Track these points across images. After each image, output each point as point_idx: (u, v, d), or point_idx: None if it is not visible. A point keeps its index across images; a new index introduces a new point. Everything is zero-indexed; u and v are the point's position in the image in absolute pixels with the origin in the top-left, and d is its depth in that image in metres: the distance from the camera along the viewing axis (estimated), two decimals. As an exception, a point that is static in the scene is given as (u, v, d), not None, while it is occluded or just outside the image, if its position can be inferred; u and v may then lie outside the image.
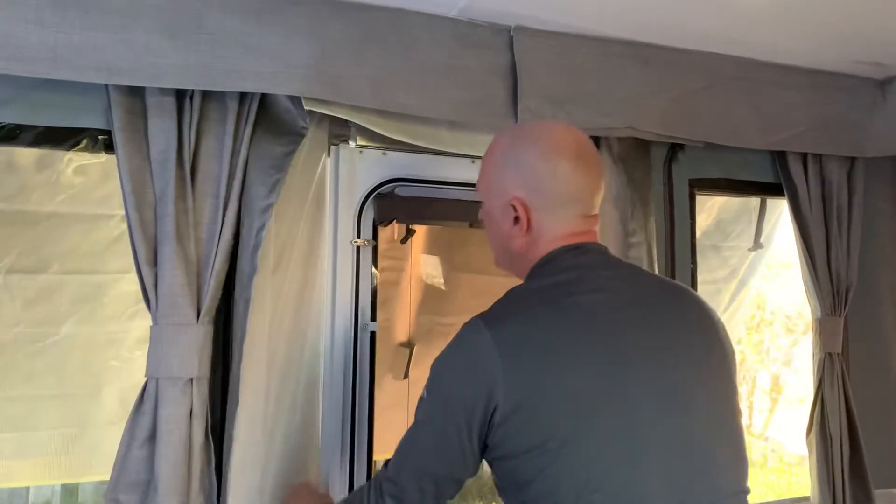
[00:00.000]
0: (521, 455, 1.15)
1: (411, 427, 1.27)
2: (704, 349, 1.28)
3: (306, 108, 1.66)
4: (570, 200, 1.31)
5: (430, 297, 3.02)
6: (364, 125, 1.79)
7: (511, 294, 1.28)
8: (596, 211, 1.35)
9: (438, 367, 1.24)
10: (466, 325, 1.22)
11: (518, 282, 1.36)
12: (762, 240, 2.66)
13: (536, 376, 1.14)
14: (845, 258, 2.34)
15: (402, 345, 3.01)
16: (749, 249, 2.71)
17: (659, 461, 1.15)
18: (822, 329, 2.31)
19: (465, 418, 1.17)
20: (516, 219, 1.31)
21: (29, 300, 1.96)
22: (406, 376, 2.97)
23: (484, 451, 1.21)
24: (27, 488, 2.46)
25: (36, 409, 1.99)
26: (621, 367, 1.17)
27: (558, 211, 1.31)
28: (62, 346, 1.99)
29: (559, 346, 1.16)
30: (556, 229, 1.31)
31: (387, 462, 1.31)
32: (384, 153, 1.90)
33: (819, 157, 2.35)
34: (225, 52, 1.59)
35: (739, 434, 1.26)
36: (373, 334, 1.87)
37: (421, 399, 1.25)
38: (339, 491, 1.79)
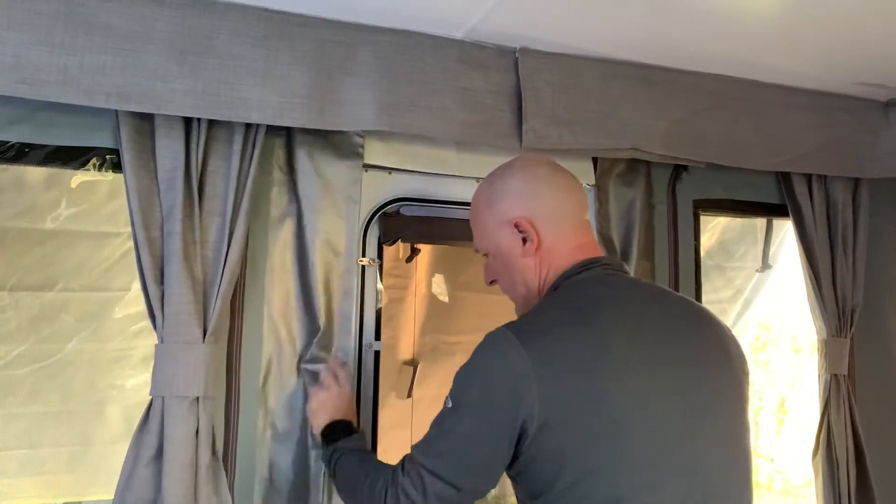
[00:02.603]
0: (550, 470, 1.14)
1: (432, 435, 1.24)
2: (722, 368, 1.29)
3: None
4: (566, 207, 1.36)
5: (435, 316, 3.02)
6: (370, 161, 1.84)
7: (538, 308, 1.28)
8: (587, 215, 1.41)
9: (466, 377, 1.22)
10: (495, 336, 1.20)
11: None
12: (769, 260, 2.66)
13: (570, 392, 1.14)
14: (851, 279, 2.34)
15: (406, 363, 3.00)
16: (757, 270, 2.70)
17: (683, 481, 1.16)
18: (828, 350, 2.30)
19: (495, 430, 1.15)
20: (524, 240, 1.33)
21: (35, 317, 1.97)
22: (410, 395, 2.96)
23: (511, 464, 1.19)
24: (30, 506, 2.45)
25: (40, 427, 1.99)
26: (650, 385, 1.18)
27: (560, 220, 1.35)
28: (67, 363, 1.99)
29: (591, 364, 1.16)
30: (564, 241, 1.34)
31: (403, 465, 1.27)
32: (389, 173, 1.91)
33: (824, 178, 2.35)
34: (233, 79, 1.61)
35: (749, 456, 1.28)
36: (377, 353, 1.87)
37: (445, 409, 1.22)
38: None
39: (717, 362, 1.29)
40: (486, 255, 1.44)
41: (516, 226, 1.33)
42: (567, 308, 1.25)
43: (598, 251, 1.38)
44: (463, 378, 1.22)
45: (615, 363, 1.17)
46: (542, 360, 1.14)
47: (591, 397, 1.14)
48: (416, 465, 1.23)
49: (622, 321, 1.23)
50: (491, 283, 1.45)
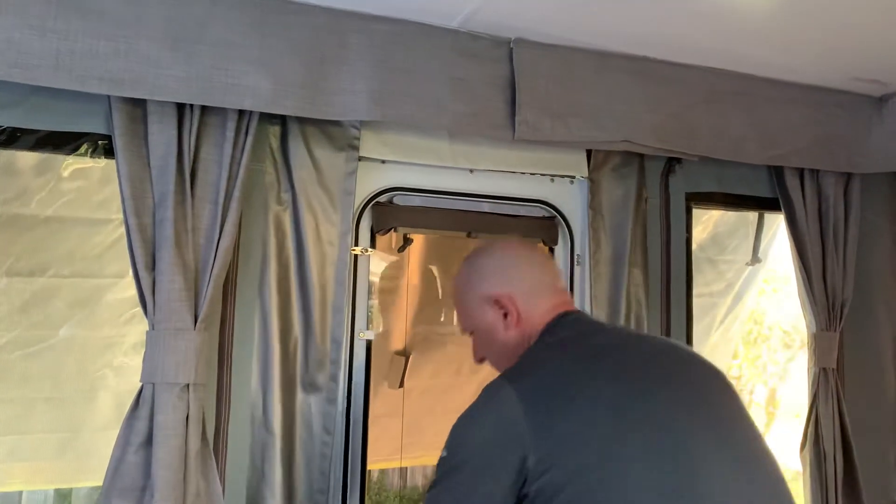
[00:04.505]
0: (555, 501, 1.14)
1: (436, 492, 1.23)
2: (705, 380, 1.31)
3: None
4: (541, 279, 1.43)
5: (427, 306, 3.02)
6: (363, 154, 1.85)
7: (526, 356, 1.34)
8: (562, 284, 1.48)
9: (463, 427, 1.24)
10: (489, 385, 1.24)
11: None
12: (759, 254, 2.67)
13: (561, 422, 1.16)
14: (841, 273, 2.35)
15: (399, 353, 3.01)
16: (747, 264, 2.71)
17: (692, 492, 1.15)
18: (818, 344, 2.32)
19: (497, 475, 1.16)
20: (505, 314, 1.39)
21: (26, 303, 1.96)
22: (401, 385, 2.96)
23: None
24: (20, 492, 2.44)
25: (30, 413, 1.98)
26: (640, 402, 1.19)
27: (536, 290, 1.41)
28: (58, 349, 1.99)
29: (577, 390, 1.19)
30: (541, 305, 1.39)
31: None
32: (382, 162, 1.91)
33: (816, 173, 2.36)
34: (226, 65, 1.61)
35: (777, 468, 1.25)
36: (369, 343, 1.87)
37: (442, 460, 1.23)
38: (334, 500, 1.79)
39: (699, 375, 1.31)
40: (471, 333, 1.48)
41: (496, 302, 1.40)
42: (548, 350, 1.32)
43: (572, 306, 1.44)
44: (459, 429, 1.24)
45: (600, 385, 1.20)
46: (532, 398, 1.18)
47: (583, 423, 1.16)
48: None
49: (601, 347, 1.29)
50: (480, 360, 1.49)
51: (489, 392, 1.23)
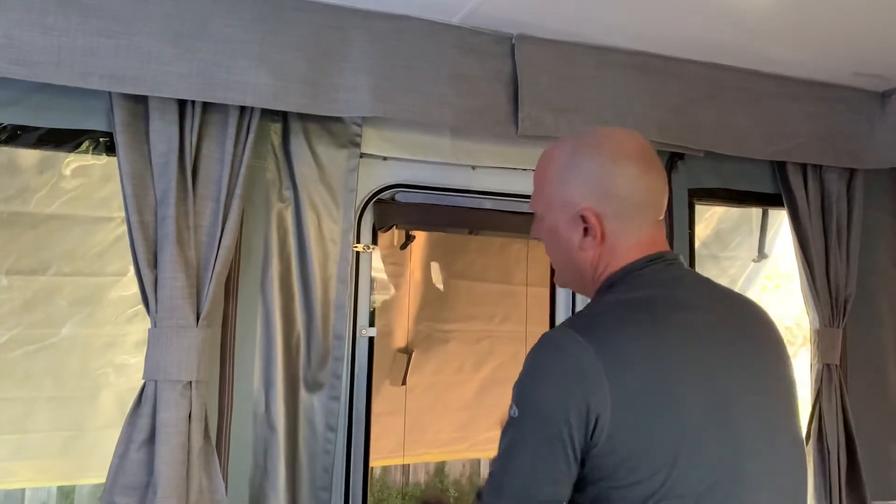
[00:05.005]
0: (621, 478, 1.09)
1: (505, 451, 1.15)
2: (778, 368, 1.26)
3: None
4: (641, 205, 1.24)
5: (429, 304, 3.02)
6: (365, 151, 1.83)
7: (600, 305, 1.21)
8: (663, 216, 1.29)
9: (531, 379, 1.14)
10: (556, 334, 1.15)
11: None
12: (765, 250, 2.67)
13: (643, 394, 1.09)
14: (844, 269, 2.34)
15: (401, 351, 3.01)
16: (754, 260, 2.71)
17: (759, 489, 1.13)
18: (821, 340, 2.31)
19: (568, 433, 1.08)
20: (586, 230, 1.23)
21: (28, 301, 1.97)
22: (404, 383, 2.96)
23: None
24: (23, 490, 2.45)
25: (33, 411, 1.99)
26: (723, 390, 1.14)
27: (631, 217, 1.23)
28: (60, 347, 1.99)
29: (664, 366, 1.11)
30: (630, 237, 1.23)
31: (479, 492, 1.20)
32: (384, 159, 1.90)
33: (819, 168, 2.35)
34: (227, 62, 1.60)
35: (804, 458, 1.25)
36: (371, 340, 1.87)
37: (511, 419, 1.14)
38: (337, 497, 1.79)
39: (774, 362, 1.25)
40: (538, 219, 1.34)
41: (582, 217, 1.23)
42: (632, 307, 1.18)
43: (665, 246, 1.27)
44: (527, 380, 1.14)
45: (687, 368, 1.12)
46: (613, 358, 1.09)
47: (665, 403, 1.09)
48: (490, 493, 1.16)
49: (693, 324, 1.18)
50: (535, 239, 1.36)
51: (559, 340, 1.13)
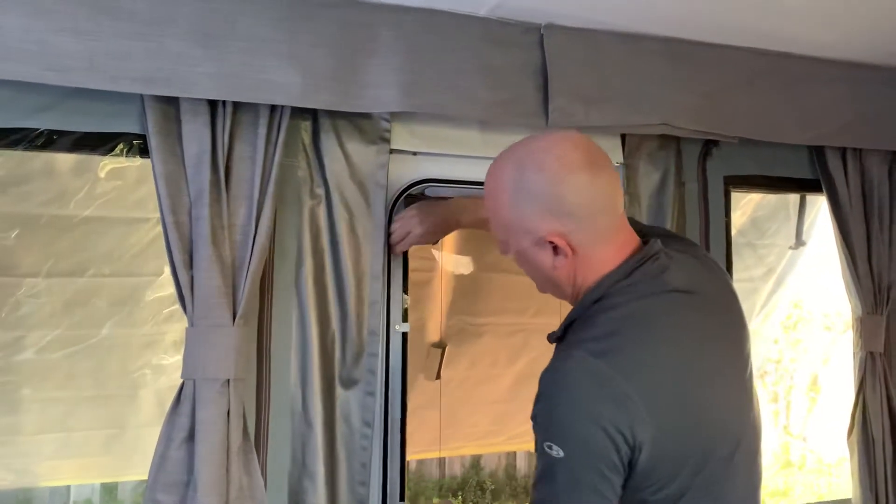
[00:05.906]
0: (654, 490, 1.16)
1: (564, 494, 1.13)
2: (736, 324, 1.37)
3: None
4: (600, 210, 1.24)
5: (462, 298, 3.02)
6: (394, 146, 1.84)
7: (601, 324, 1.21)
8: (623, 208, 1.31)
9: (567, 414, 1.13)
10: (578, 364, 1.16)
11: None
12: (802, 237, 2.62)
13: (672, 410, 1.15)
14: (887, 255, 2.29)
15: (435, 345, 3.01)
16: (790, 247, 2.66)
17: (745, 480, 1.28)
18: (863, 328, 2.26)
19: (619, 461, 1.12)
20: (555, 249, 1.24)
21: (67, 303, 2.00)
22: (438, 377, 2.97)
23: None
24: (68, 487, 2.50)
25: (75, 410, 2.03)
26: (725, 388, 1.26)
27: (594, 224, 1.24)
28: (100, 348, 2.03)
29: (680, 376, 1.19)
30: (600, 242, 1.25)
31: None
32: (413, 154, 1.90)
33: (859, 152, 2.29)
34: (256, 61, 1.61)
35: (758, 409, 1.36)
36: (404, 335, 1.87)
37: (556, 460, 1.13)
38: (375, 491, 1.79)
39: (739, 333, 1.36)
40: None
41: (549, 241, 1.23)
42: (635, 326, 1.20)
43: (636, 241, 1.29)
44: (559, 416, 1.14)
45: (696, 374, 1.21)
46: (639, 383, 1.13)
47: (687, 413, 1.18)
48: None
49: (685, 323, 1.25)
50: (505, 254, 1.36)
51: (582, 369, 1.15)
